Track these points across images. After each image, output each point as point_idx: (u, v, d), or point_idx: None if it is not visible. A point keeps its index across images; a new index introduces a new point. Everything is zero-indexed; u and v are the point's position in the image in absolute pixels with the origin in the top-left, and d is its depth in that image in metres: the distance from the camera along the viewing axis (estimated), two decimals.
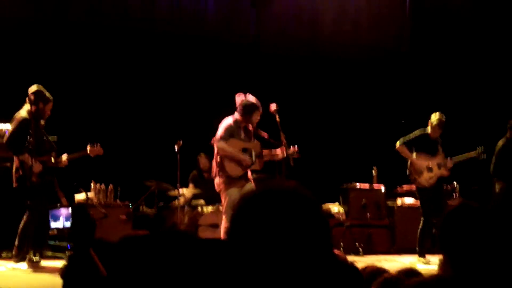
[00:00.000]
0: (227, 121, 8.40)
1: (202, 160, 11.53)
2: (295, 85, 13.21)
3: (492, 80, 13.60)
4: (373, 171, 12.15)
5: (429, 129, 9.98)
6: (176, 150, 10.07)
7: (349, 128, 13.66)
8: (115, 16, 12.29)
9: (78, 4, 12.07)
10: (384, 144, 13.32)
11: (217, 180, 8.40)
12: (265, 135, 8.60)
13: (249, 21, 13.32)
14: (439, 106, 13.00)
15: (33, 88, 8.59)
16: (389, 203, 12.05)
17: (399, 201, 12.08)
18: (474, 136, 11.78)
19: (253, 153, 8.42)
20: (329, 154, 13.11)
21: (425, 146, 9.97)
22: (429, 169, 9.93)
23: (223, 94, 12.53)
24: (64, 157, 8.92)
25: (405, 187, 12.43)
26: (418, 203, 11.90)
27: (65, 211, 9.74)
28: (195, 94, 12.71)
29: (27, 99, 8.55)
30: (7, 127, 8.97)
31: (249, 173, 8.47)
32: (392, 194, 12.30)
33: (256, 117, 8.40)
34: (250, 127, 8.48)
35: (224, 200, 8.34)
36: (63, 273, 2.44)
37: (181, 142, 10.07)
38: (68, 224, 9.56)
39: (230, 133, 8.32)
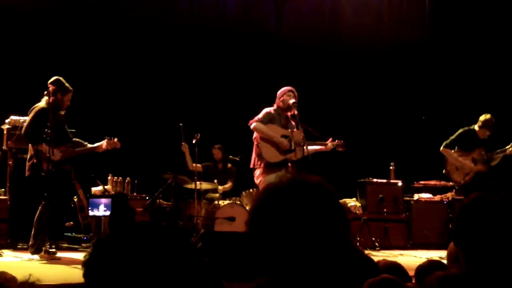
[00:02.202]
0: (267, 108, 8.44)
1: (215, 151, 11.63)
2: (314, 78, 13.17)
3: None
4: (391, 166, 12.09)
5: (476, 127, 9.82)
6: (194, 143, 10.07)
7: (367, 122, 13.59)
8: (134, 8, 12.29)
9: None
10: (402, 140, 13.28)
11: (256, 172, 8.39)
12: (309, 128, 8.55)
13: (269, 13, 13.28)
14: (461, 100, 12.95)
15: (52, 78, 8.65)
16: (406, 198, 12.01)
17: (416, 196, 12.03)
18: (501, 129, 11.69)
19: (293, 141, 8.38)
20: (347, 149, 13.04)
21: (468, 142, 9.83)
22: (462, 167, 9.84)
23: (242, 87, 12.57)
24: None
25: (422, 182, 12.40)
26: (435, 198, 11.89)
27: (105, 200, 9.76)
28: (214, 87, 12.70)
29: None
30: (25, 119, 9.00)
31: (289, 164, 8.43)
32: (410, 189, 12.26)
33: (288, 99, 8.36)
34: (293, 121, 8.45)
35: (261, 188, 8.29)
36: (85, 262, 2.42)
37: (198, 135, 10.07)
38: (107, 213, 9.58)
39: (270, 118, 8.34)
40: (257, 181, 8.49)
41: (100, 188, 10.24)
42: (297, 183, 1.72)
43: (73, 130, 9.31)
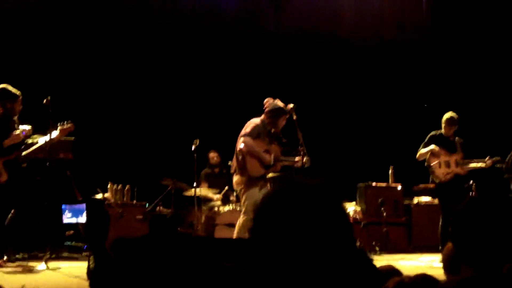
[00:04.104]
0: (255, 121, 8.47)
1: (212, 155, 11.65)
2: (314, 79, 13.17)
3: None
4: (390, 170, 12.09)
5: (442, 129, 9.98)
6: (193, 149, 10.05)
7: (366, 125, 13.59)
8: (136, 11, 12.29)
9: None
10: (401, 143, 13.26)
11: (237, 179, 8.44)
12: (285, 140, 8.62)
13: (269, 15, 13.31)
14: (459, 100, 12.94)
15: None
16: (406, 201, 12.00)
17: (416, 200, 12.02)
18: (495, 130, 11.68)
19: (272, 156, 8.46)
20: (346, 153, 13.06)
21: (440, 144, 9.94)
22: (447, 164, 9.90)
23: (242, 90, 12.56)
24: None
25: (422, 185, 12.38)
26: (435, 201, 11.87)
27: (79, 206, 9.63)
28: (213, 91, 12.69)
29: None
30: None
31: (267, 177, 8.52)
32: (409, 192, 12.24)
33: (282, 122, 8.45)
34: (273, 130, 8.52)
35: (243, 200, 8.37)
36: (90, 273, 2.42)
37: (198, 141, 10.05)
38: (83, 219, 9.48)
39: (258, 132, 8.38)
40: (237, 187, 8.58)
41: (100, 196, 10.23)
42: (294, 185, 1.73)
43: (72, 138, 9.21)
